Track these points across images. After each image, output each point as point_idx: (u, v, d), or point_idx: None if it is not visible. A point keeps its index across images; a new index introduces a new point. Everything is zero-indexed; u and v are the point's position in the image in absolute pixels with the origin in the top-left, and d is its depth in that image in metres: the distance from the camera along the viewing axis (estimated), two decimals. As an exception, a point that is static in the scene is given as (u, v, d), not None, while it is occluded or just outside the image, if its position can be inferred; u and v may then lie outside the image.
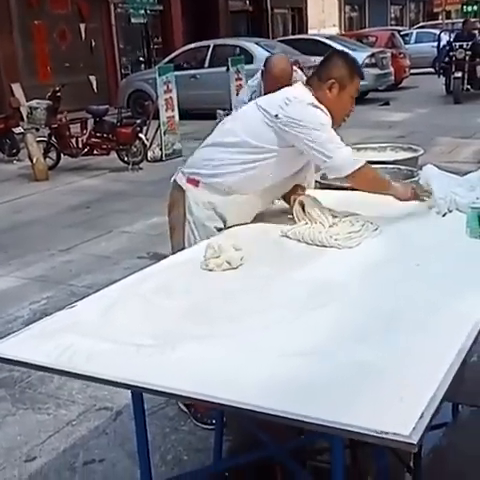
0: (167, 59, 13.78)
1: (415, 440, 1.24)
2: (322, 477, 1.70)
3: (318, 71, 2.66)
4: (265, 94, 3.87)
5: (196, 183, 2.63)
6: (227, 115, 2.76)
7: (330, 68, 2.62)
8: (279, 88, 2.73)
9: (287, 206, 2.79)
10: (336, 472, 1.65)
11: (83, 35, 15.81)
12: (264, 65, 3.89)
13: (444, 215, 2.62)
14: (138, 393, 1.88)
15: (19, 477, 2.59)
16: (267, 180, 2.60)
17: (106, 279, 4.31)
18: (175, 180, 2.72)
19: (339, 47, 14.99)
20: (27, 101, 9.40)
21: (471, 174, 2.81)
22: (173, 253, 2.60)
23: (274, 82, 3.79)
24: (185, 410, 2.88)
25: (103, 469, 2.60)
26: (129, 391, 1.88)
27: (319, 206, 2.57)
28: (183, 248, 2.61)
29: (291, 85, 2.92)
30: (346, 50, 2.90)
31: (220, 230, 2.62)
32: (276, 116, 2.49)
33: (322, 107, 2.53)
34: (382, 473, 2.37)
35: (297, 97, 2.55)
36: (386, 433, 1.26)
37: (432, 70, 17.18)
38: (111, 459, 2.65)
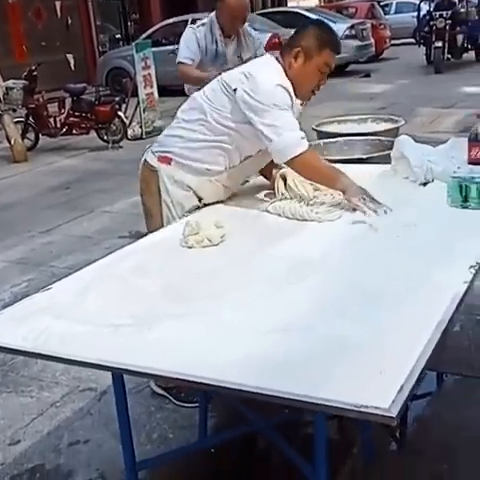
0: (145, 35, 13.59)
1: (394, 413, 1.23)
2: (308, 450, 1.69)
3: (290, 39, 2.55)
4: (220, 29, 3.83)
5: (168, 161, 2.55)
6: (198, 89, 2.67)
7: (300, 36, 2.49)
8: (234, 22, 2.59)
9: (265, 182, 2.76)
10: (318, 445, 1.65)
11: (59, 13, 15.55)
12: None
13: (425, 185, 2.61)
14: (118, 374, 1.86)
15: (3, 460, 2.58)
16: (235, 157, 2.53)
17: (87, 260, 4.20)
18: (145, 160, 2.62)
19: (318, 18, 14.96)
20: (3, 81, 9.22)
21: (444, 144, 2.79)
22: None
23: (229, 14, 3.73)
24: (161, 393, 2.84)
25: (88, 450, 2.59)
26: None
27: (300, 179, 2.53)
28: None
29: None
30: (326, 21, 2.72)
31: (198, 208, 2.59)
32: (234, 90, 2.41)
33: (284, 86, 2.40)
34: (367, 443, 2.39)
35: (258, 74, 2.42)
36: (366, 407, 1.25)
37: (413, 40, 17.10)
38: (96, 440, 2.64)
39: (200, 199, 2.59)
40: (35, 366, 3.21)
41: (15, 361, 3.27)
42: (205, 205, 2.60)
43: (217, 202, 2.63)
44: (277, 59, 2.50)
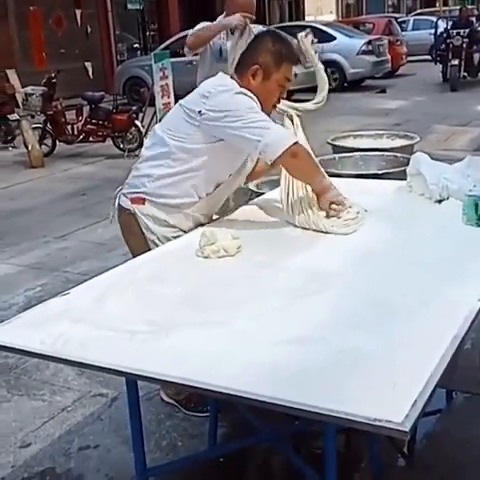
0: (163, 45, 13.68)
1: (407, 427, 1.24)
2: (317, 462, 1.71)
3: (244, 54, 2.46)
4: (229, 30, 4.02)
5: (142, 201, 2.46)
6: None
7: (256, 52, 2.40)
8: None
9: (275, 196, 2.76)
10: (329, 458, 1.66)
11: (79, 21, 15.68)
12: None
13: (440, 202, 2.63)
14: (132, 380, 1.88)
15: (14, 463, 2.60)
16: (207, 185, 2.47)
17: (101, 266, 4.30)
18: (119, 204, 2.54)
19: (336, 34, 15.01)
20: (22, 87, 9.33)
21: (460, 162, 2.81)
22: None
23: (238, 11, 3.86)
24: (170, 402, 2.86)
25: (98, 455, 2.61)
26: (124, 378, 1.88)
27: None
28: None
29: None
30: (283, 34, 2.56)
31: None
32: (199, 113, 2.33)
33: (246, 92, 2.34)
34: (375, 458, 2.39)
35: (217, 87, 2.36)
36: (379, 420, 1.26)
37: (429, 57, 17.09)
38: (106, 445, 2.66)
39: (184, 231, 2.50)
40: (47, 370, 3.24)
41: (27, 364, 3.30)
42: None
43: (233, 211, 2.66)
44: (232, 77, 2.44)
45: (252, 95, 2.37)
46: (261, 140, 2.27)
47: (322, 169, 2.48)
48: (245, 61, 2.43)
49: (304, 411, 1.34)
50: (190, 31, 4.27)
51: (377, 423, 1.26)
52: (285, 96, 2.52)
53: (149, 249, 2.44)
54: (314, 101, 2.84)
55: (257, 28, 4.06)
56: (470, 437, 2.57)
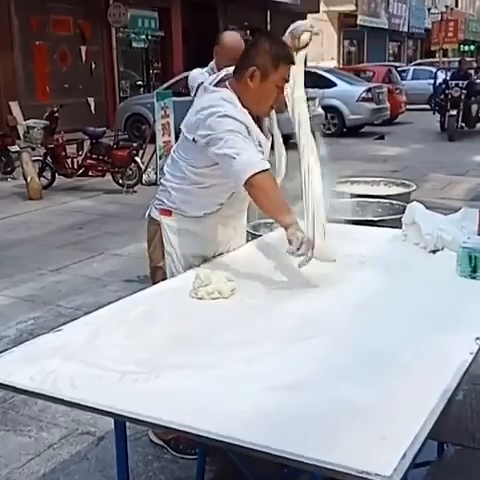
0: (166, 85, 13.89)
1: (396, 480, 1.24)
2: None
3: (242, 57, 2.48)
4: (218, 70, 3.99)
5: (169, 213, 2.61)
6: None
7: (253, 54, 2.42)
8: (231, 63, 2.61)
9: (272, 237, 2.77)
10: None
11: (84, 57, 15.97)
12: (216, 42, 3.92)
13: (435, 252, 2.64)
14: (120, 421, 1.87)
15: (-4, 500, 2.56)
16: (223, 195, 2.56)
17: (95, 301, 4.31)
18: (149, 215, 2.70)
19: (336, 80, 15.26)
20: (24, 120, 9.44)
21: (455, 214, 2.84)
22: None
23: (227, 56, 3.85)
24: (159, 443, 2.83)
25: (82, 495, 2.57)
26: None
27: None
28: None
29: None
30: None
31: (204, 261, 2.61)
32: (193, 140, 2.43)
33: (233, 117, 2.34)
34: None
35: (205, 111, 2.38)
36: (368, 473, 1.26)
37: (428, 107, 17.40)
38: (91, 485, 2.62)
39: (206, 245, 2.63)
40: (35, 406, 3.20)
41: (15, 399, 3.26)
42: (215, 256, 2.65)
43: (224, 252, 2.67)
44: (226, 87, 2.46)
45: (242, 117, 2.37)
46: (234, 159, 2.29)
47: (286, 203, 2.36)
48: (242, 64, 2.45)
49: (291, 460, 1.34)
50: (194, 72, 4.31)
51: (365, 475, 1.26)
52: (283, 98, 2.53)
53: (164, 264, 2.61)
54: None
55: None
56: (460, 490, 2.54)
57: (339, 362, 1.74)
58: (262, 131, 2.56)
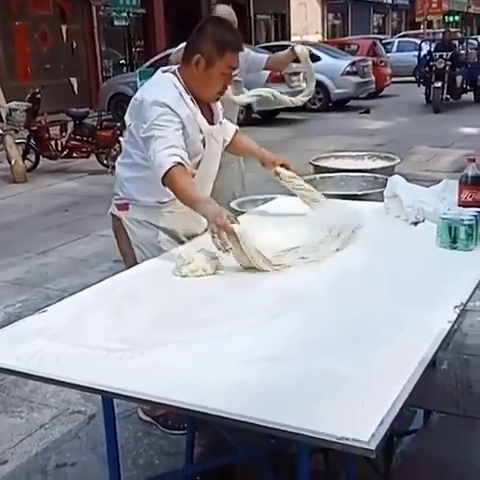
0: (148, 63, 13.78)
1: (373, 446, 1.27)
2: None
3: (188, 44, 2.43)
4: None
5: (126, 207, 2.58)
6: None
7: (198, 41, 2.37)
8: None
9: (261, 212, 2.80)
10: (302, 476, 1.68)
11: (64, 37, 15.79)
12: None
13: (416, 224, 2.67)
14: (108, 398, 1.90)
15: (-11, 480, 2.59)
16: None
17: (82, 282, 4.30)
18: (111, 213, 2.68)
19: (321, 54, 15.19)
20: (6, 102, 9.33)
21: (436, 185, 2.86)
22: None
23: None
24: (148, 420, 2.87)
25: (75, 473, 2.61)
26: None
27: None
28: None
29: None
30: (223, 19, 2.51)
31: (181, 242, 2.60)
32: (129, 126, 2.44)
33: (162, 102, 2.31)
34: (351, 477, 2.41)
35: (137, 98, 2.40)
36: (346, 439, 1.29)
37: (413, 79, 17.37)
38: (83, 463, 2.66)
39: (171, 235, 2.59)
40: (26, 387, 3.23)
41: (5, 381, 3.29)
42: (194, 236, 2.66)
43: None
44: (174, 72, 2.44)
45: (172, 101, 2.34)
46: (151, 159, 2.33)
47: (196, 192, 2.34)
48: (188, 50, 2.41)
49: (273, 429, 1.37)
50: (174, 50, 4.29)
51: (344, 441, 1.29)
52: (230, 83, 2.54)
53: (134, 256, 2.58)
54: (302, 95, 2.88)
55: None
56: (446, 457, 2.60)
57: (319, 335, 1.76)
58: (212, 116, 2.55)
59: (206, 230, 2.68)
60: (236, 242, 2.15)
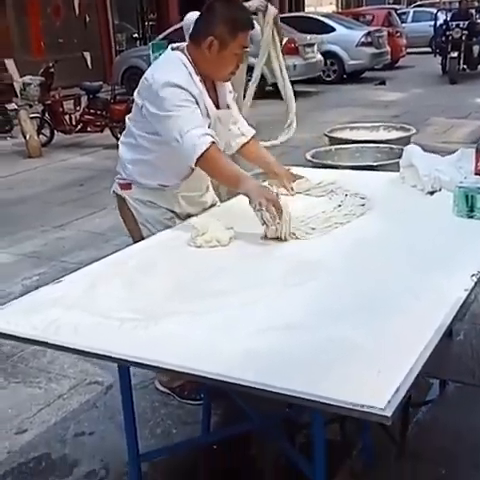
0: (162, 36, 13.66)
1: (389, 413, 1.27)
2: (309, 450, 1.73)
3: (197, 24, 2.39)
4: None
5: (129, 186, 2.55)
6: None
7: (210, 23, 2.33)
8: None
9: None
10: (317, 445, 1.69)
11: (77, 10, 15.63)
12: None
13: (432, 193, 2.65)
14: (124, 366, 1.91)
15: (10, 449, 2.63)
16: (181, 169, 2.48)
17: (98, 255, 4.25)
18: (113, 191, 2.64)
19: (335, 25, 14.99)
20: (20, 77, 9.32)
21: (453, 155, 2.83)
22: None
23: None
24: (165, 391, 2.90)
25: (93, 441, 2.65)
26: (118, 365, 1.91)
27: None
28: None
29: None
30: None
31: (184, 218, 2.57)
32: (141, 108, 2.38)
33: (176, 83, 2.27)
34: (367, 446, 2.43)
35: (152, 76, 2.33)
36: (362, 406, 1.29)
37: (429, 49, 17.10)
38: (101, 432, 2.70)
39: (174, 212, 2.58)
40: (44, 358, 3.27)
41: (24, 352, 3.33)
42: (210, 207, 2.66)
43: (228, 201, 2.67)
44: (183, 51, 2.40)
45: (186, 82, 2.31)
46: (179, 142, 2.28)
47: (239, 170, 2.37)
48: (199, 32, 2.36)
49: (287, 396, 1.37)
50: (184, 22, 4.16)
51: (359, 408, 1.29)
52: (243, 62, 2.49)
53: (141, 234, 2.54)
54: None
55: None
56: (461, 426, 2.61)
57: (334, 304, 1.76)
58: (218, 99, 2.51)
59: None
60: (281, 215, 2.19)
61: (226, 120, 2.55)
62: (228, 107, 2.57)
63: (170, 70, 2.34)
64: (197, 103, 2.34)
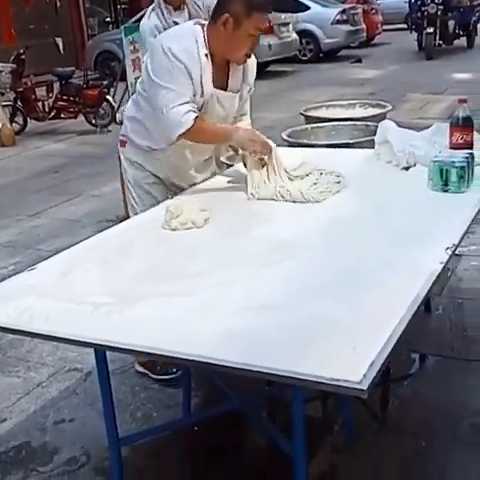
0: (134, 19, 13.44)
1: (365, 386, 1.27)
2: (289, 428, 1.73)
3: (217, 4, 2.44)
4: (168, 4, 3.74)
5: (124, 143, 2.67)
6: None
7: (227, 1, 2.37)
8: None
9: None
10: (297, 420, 1.69)
11: (47, -5, 15.41)
12: None
13: (407, 169, 2.64)
14: (100, 352, 1.89)
15: (-11, 439, 2.61)
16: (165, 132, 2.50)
17: (74, 243, 4.25)
18: (117, 149, 2.77)
19: (310, 3, 14.88)
20: (-9, 65, 9.17)
21: (427, 130, 2.82)
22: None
23: None
24: (143, 371, 2.89)
25: (73, 428, 2.63)
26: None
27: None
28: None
29: None
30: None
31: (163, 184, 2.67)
32: (146, 62, 2.49)
33: (183, 51, 2.34)
34: (348, 421, 2.44)
35: (161, 39, 2.44)
36: (337, 380, 1.29)
37: (405, 26, 17.05)
38: (81, 418, 2.68)
39: (159, 178, 2.67)
40: (22, 347, 3.24)
41: (2, 342, 3.29)
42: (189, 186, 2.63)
43: (202, 185, 2.65)
44: (203, 26, 2.44)
45: (185, 56, 2.34)
46: (164, 113, 2.37)
47: (222, 126, 2.52)
48: (216, 10, 2.41)
49: (263, 373, 1.36)
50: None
51: (336, 383, 1.29)
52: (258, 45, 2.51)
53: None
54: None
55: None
56: (440, 399, 2.63)
57: (313, 280, 1.75)
58: (227, 81, 2.51)
59: (193, 184, 2.68)
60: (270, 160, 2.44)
61: (226, 102, 2.54)
62: (237, 92, 2.57)
63: (177, 39, 2.41)
64: (191, 77, 2.36)
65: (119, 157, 2.77)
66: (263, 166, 2.50)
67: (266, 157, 2.49)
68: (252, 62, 2.60)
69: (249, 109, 2.76)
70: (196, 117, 2.36)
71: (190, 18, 3.78)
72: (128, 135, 2.63)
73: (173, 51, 2.34)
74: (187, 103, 2.36)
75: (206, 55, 2.38)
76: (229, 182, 2.69)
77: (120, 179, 2.84)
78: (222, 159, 3.38)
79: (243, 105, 2.69)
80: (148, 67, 2.42)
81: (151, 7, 3.83)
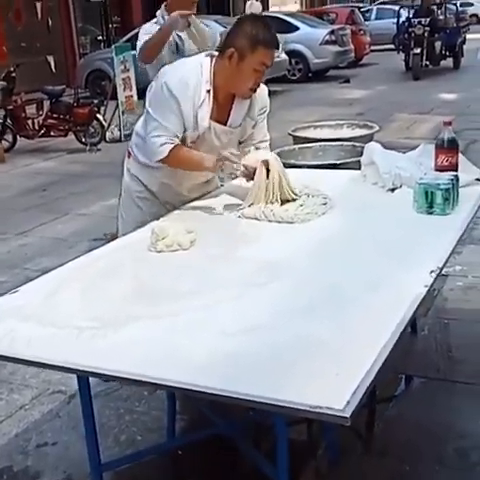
0: (125, 38, 13.55)
1: (348, 413, 1.26)
2: (272, 454, 1.71)
3: (225, 38, 2.49)
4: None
5: (129, 155, 2.76)
6: None
7: (234, 36, 2.41)
8: (184, 5, 2.65)
9: (240, 186, 2.73)
10: (280, 445, 1.67)
11: (39, 14, 15.46)
12: None
13: (393, 190, 2.65)
14: (83, 376, 1.87)
15: (-30, 463, 2.57)
16: None
17: (61, 262, 4.22)
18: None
19: (299, 24, 15.03)
20: (-19, 82, 9.16)
21: (414, 151, 2.84)
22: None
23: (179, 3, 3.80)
24: None
25: (56, 452, 2.59)
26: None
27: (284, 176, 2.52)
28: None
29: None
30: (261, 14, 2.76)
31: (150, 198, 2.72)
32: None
33: (174, 87, 2.40)
34: (332, 445, 2.42)
35: (167, 69, 2.53)
36: (320, 407, 1.28)
37: (392, 47, 17.23)
38: (64, 442, 2.64)
39: (153, 194, 2.71)
40: (4, 369, 3.19)
41: (-15, 364, 3.25)
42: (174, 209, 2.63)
43: (191, 206, 2.65)
44: (212, 57, 2.48)
45: (180, 90, 2.39)
46: (145, 139, 2.52)
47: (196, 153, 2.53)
48: (224, 44, 2.46)
49: (249, 402, 1.35)
50: (138, 45, 4.06)
51: (319, 410, 1.28)
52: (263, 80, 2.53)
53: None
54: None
55: (196, 20, 4.00)
56: (426, 421, 2.61)
57: (300, 301, 1.75)
58: (228, 117, 2.53)
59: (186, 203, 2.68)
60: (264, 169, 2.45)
61: (223, 136, 2.55)
62: (238, 127, 2.58)
63: (179, 71, 2.49)
64: (181, 113, 2.42)
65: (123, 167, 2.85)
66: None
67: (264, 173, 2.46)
68: (261, 93, 2.60)
69: (268, 134, 2.75)
70: (172, 148, 2.44)
71: (191, 38, 3.89)
72: (132, 148, 2.72)
73: (169, 86, 2.40)
74: (165, 136, 2.44)
75: (208, 91, 2.43)
76: (216, 202, 2.68)
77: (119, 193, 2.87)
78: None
79: (259, 132, 2.70)
80: (149, 93, 2.55)
81: (154, 20, 3.99)
